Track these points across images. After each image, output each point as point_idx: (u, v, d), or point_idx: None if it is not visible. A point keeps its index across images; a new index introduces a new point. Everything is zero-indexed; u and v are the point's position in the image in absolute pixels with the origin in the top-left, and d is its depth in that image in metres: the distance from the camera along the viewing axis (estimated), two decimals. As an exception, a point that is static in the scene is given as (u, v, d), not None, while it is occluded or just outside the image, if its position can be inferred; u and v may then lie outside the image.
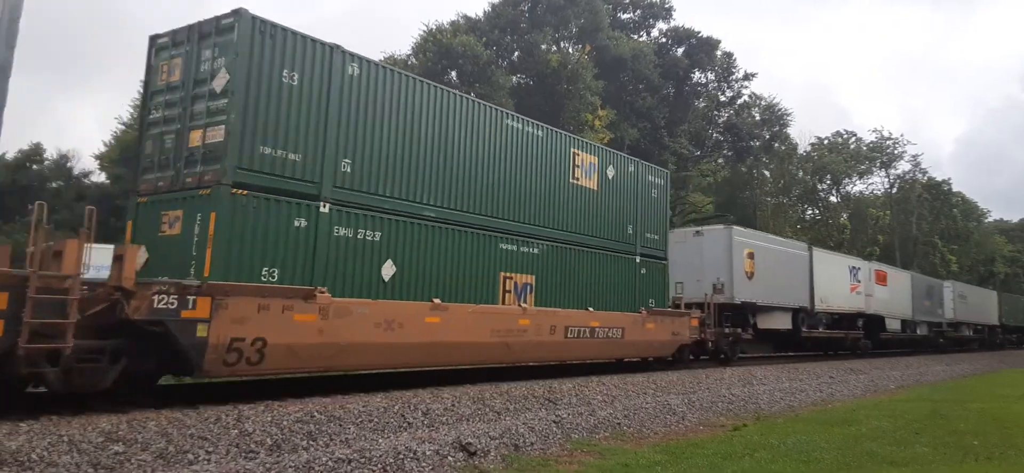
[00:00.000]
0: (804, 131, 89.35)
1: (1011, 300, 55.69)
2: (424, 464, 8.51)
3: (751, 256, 22.94)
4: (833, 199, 62.13)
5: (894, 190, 63.49)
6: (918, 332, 37.33)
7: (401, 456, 8.47)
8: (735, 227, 23.38)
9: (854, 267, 30.87)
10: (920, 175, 63.74)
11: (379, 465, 8.16)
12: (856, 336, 30.63)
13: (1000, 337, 52.00)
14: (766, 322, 24.11)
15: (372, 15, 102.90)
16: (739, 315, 22.75)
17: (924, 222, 62.86)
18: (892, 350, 35.70)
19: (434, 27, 37.22)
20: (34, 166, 47.92)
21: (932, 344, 39.92)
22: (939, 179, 65.78)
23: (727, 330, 21.76)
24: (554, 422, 11.18)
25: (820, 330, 27.41)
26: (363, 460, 8.12)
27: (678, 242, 22.32)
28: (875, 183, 64.32)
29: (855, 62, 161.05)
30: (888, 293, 33.30)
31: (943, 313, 40.92)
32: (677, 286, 20.93)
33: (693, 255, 22.56)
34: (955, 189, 69.07)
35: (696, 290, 21.57)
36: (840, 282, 29.06)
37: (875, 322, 32.11)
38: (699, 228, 23.93)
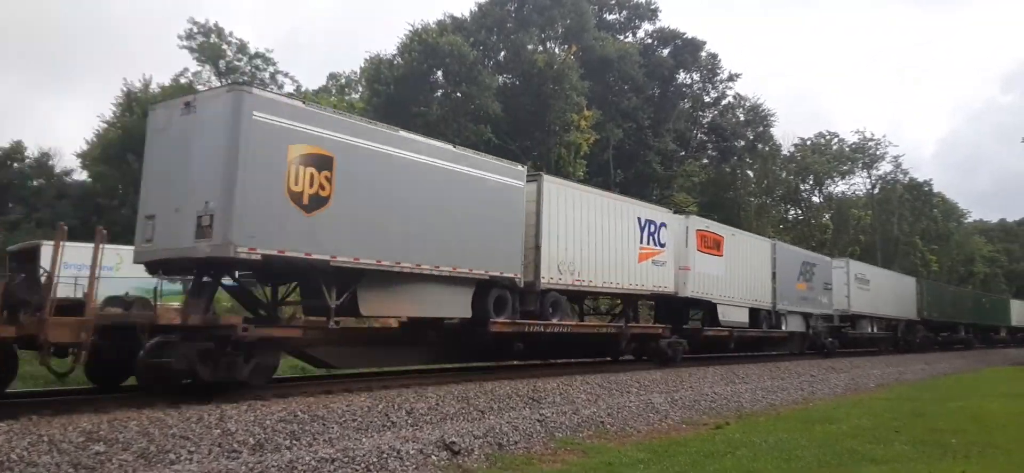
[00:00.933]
0: (787, 132, 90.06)
1: (935, 290, 43.93)
2: (408, 463, 8.52)
3: (323, 165, 10.93)
4: (816, 199, 62.69)
5: (876, 191, 64.10)
6: (786, 327, 26.27)
7: (385, 455, 8.47)
8: (249, 90, 10.81)
9: (652, 221, 18.97)
10: (901, 176, 64.44)
11: (363, 464, 8.16)
12: (651, 333, 19.44)
13: (920, 335, 39.93)
14: (383, 304, 12.44)
15: (359, 15, 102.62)
16: (306, 282, 11.80)
17: (905, 222, 63.49)
18: (733, 356, 24.61)
19: (420, 27, 37.11)
20: (15, 164, 47.51)
21: (816, 345, 28.59)
22: (920, 180, 66.50)
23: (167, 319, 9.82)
24: (538, 421, 11.22)
25: (556, 321, 15.93)
26: (346, 459, 8.12)
27: (159, 132, 11.10)
28: (857, 184, 64.95)
29: (838, 64, 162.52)
30: (723, 267, 22.20)
31: (831, 302, 29.74)
32: (147, 225, 10.67)
33: (179, 157, 10.57)
34: (936, 190, 69.89)
35: (176, 230, 10.25)
36: (614, 243, 17.55)
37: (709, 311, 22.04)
38: (192, 98, 11.05)
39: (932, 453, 10.58)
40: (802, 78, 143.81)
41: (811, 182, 61.00)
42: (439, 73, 36.54)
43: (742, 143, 55.23)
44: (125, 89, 43.11)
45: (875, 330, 34.33)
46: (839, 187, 63.88)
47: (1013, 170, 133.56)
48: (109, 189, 40.90)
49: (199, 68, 43.05)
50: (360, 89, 44.53)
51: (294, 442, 8.32)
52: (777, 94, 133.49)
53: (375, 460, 8.31)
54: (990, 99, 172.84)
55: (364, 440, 8.83)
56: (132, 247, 11.12)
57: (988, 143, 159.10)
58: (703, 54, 51.69)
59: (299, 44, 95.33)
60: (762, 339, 25.58)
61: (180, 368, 9.45)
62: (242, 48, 43.96)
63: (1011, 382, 25.32)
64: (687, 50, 50.39)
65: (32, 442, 6.83)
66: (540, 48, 41.00)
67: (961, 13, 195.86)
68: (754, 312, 24.20)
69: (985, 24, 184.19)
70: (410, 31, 36.97)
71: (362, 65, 41.73)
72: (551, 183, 16.27)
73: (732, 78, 53.60)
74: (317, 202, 10.82)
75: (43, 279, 8.89)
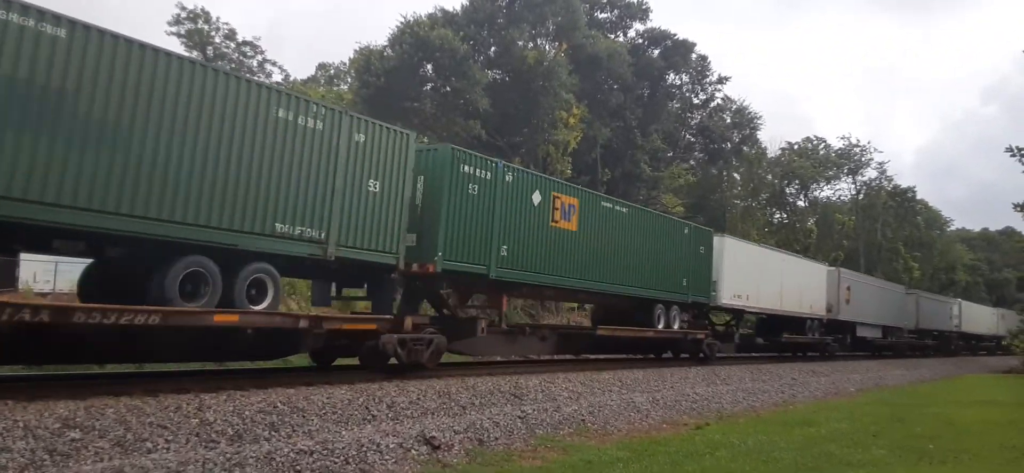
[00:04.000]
0: (774, 136, 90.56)
1: None
2: (387, 457, 8.50)
3: None
4: (801, 203, 63.01)
5: (860, 196, 64.47)
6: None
7: (364, 448, 8.45)
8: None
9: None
10: (886, 182, 64.80)
11: (342, 457, 8.13)
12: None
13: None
14: None
15: (348, 6, 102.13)
16: None
17: (889, 228, 63.90)
18: None
19: (412, 19, 36.91)
20: None
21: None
22: (904, 187, 66.79)
23: None
24: (519, 417, 11.22)
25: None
26: (326, 452, 8.09)
27: None
28: (842, 189, 65.30)
29: (820, 73, 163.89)
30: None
31: None
32: None
33: None
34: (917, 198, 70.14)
35: None
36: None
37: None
38: None
39: (909, 458, 10.69)
40: (785, 84, 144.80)
41: (796, 186, 61.32)
42: (429, 67, 36.36)
43: (729, 145, 55.43)
44: None
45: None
46: (824, 192, 64.33)
47: (990, 181, 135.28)
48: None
49: (187, 55, 42.41)
50: (349, 80, 44.19)
51: (273, 433, 8.27)
52: (762, 99, 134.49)
53: (354, 453, 8.28)
54: (970, 110, 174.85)
55: (344, 433, 8.80)
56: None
57: (967, 153, 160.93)
58: (693, 56, 51.78)
59: (286, 33, 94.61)
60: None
61: None
62: (230, 35, 43.51)
63: (988, 389, 25.64)
64: (677, 51, 50.39)
65: (7, 427, 6.75)
66: (531, 44, 40.90)
67: (943, 25, 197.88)
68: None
69: (966, 36, 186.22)
70: (402, 22, 36.80)
71: (351, 56, 41.44)
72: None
73: (722, 81, 53.74)
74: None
75: None
